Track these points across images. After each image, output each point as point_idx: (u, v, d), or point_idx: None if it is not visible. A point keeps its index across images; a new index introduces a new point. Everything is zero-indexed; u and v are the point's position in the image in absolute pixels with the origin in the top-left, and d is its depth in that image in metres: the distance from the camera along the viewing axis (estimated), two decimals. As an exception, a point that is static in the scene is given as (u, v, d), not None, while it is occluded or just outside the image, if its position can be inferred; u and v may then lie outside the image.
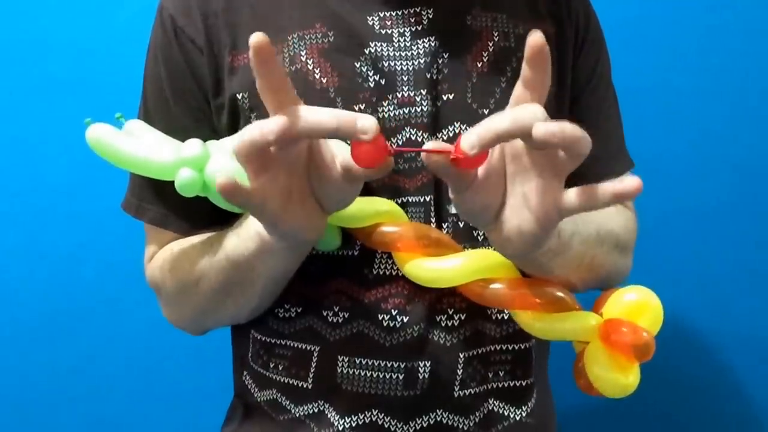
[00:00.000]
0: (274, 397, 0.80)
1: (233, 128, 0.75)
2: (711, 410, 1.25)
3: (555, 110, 0.77)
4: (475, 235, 0.76)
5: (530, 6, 0.80)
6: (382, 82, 0.74)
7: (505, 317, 0.77)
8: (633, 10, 1.18)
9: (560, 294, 0.70)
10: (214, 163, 0.69)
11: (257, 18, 0.76)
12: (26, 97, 1.17)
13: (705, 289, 1.22)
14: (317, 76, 0.74)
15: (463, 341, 0.76)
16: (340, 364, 0.75)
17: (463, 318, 0.76)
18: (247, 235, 0.69)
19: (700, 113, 1.19)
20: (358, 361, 0.75)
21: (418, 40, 0.75)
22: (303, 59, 0.74)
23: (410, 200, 0.74)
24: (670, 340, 1.22)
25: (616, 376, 0.69)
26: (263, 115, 0.71)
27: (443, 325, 0.75)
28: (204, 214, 0.77)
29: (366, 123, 0.54)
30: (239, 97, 0.75)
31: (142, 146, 0.72)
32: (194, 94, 0.77)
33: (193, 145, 0.70)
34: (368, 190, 0.73)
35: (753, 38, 1.18)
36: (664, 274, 1.18)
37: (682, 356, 1.24)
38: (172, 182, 0.73)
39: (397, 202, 0.73)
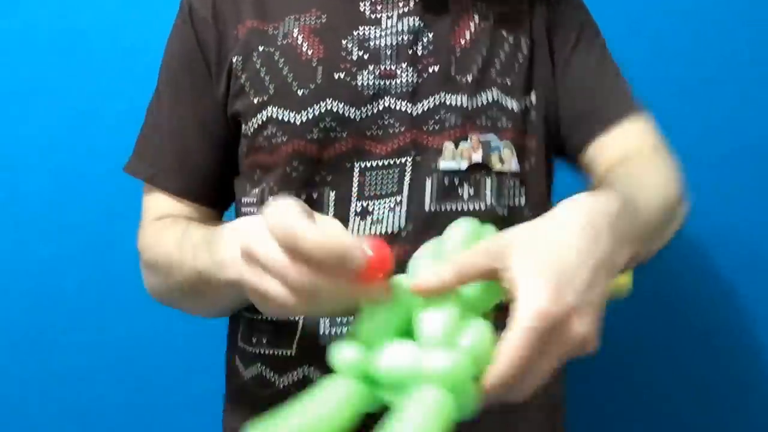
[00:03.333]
0: (260, 371, 0.80)
1: (227, 93, 0.81)
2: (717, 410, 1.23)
3: (527, 67, 0.82)
4: (460, 193, 0.77)
5: None
6: (366, 56, 0.79)
7: None
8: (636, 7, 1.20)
9: None
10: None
11: (259, 2, 0.82)
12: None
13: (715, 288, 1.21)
14: (304, 49, 0.79)
15: None
16: (321, 327, 0.76)
17: None
18: (220, 266, 0.66)
19: (701, 109, 1.19)
20: (338, 320, 0.75)
21: (404, 19, 0.80)
22: (294, 35, 0.80)
23: (382, 164, 0.77)
24: (675, 336, 1.21)
25: None
26: (250, 76, 0.79)
27: None
28: (197, 177, 0.84)
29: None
30: (234, 60, 0.81)
31: None
32: (199, 63, 0.83)
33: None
34: (337, 154, 0.76)
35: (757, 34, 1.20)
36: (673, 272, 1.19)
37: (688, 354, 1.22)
38: (166, 144, 0.83)
39: (366, 167, 0.77)
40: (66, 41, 1.17)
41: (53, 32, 1.16)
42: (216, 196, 0.86)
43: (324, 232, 0.53)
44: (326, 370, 0.74)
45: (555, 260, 0.52)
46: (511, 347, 0.50)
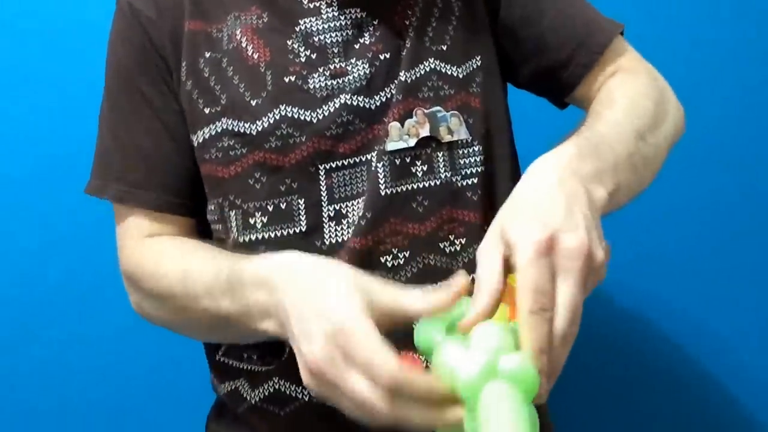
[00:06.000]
0: (235, 386, 0.79)
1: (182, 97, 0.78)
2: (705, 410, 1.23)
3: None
4: (414, 171, 0.76)
5: None
6: (313, 56, 0.76)
7: (456, 248, 0.76)
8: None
9: None
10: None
11: (197, 1, 0.79)
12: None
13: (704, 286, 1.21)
14: (250, 53, 0.77)
15: (410, 278, 0.75)
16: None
17: (407, 255, 0.75)
18: (249, 316, 0.66)
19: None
20: None
21: (345, 10, 0.77)
22: (238, 38, 0.77)
23: (347, 163, 0.75)
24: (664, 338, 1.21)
25: None
26: (199, 84, 0.77)
27: (389, 265, 0.75)
28: (173, 189, 0.80)
29: None
30: (183, 64, 0.78)
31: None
32: (157, 65, 0.79)
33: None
34: (299, 159, 0.74)
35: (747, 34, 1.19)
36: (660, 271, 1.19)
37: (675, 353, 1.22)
38: (133, 159, 0.79)
39: (332, 168, 0.75)
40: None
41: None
42: (195, 205, 0.81)
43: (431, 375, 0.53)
44: (297, 381, 0.72)
45: (536, 211, 0.56)
46: (527, 282, 0.52)
